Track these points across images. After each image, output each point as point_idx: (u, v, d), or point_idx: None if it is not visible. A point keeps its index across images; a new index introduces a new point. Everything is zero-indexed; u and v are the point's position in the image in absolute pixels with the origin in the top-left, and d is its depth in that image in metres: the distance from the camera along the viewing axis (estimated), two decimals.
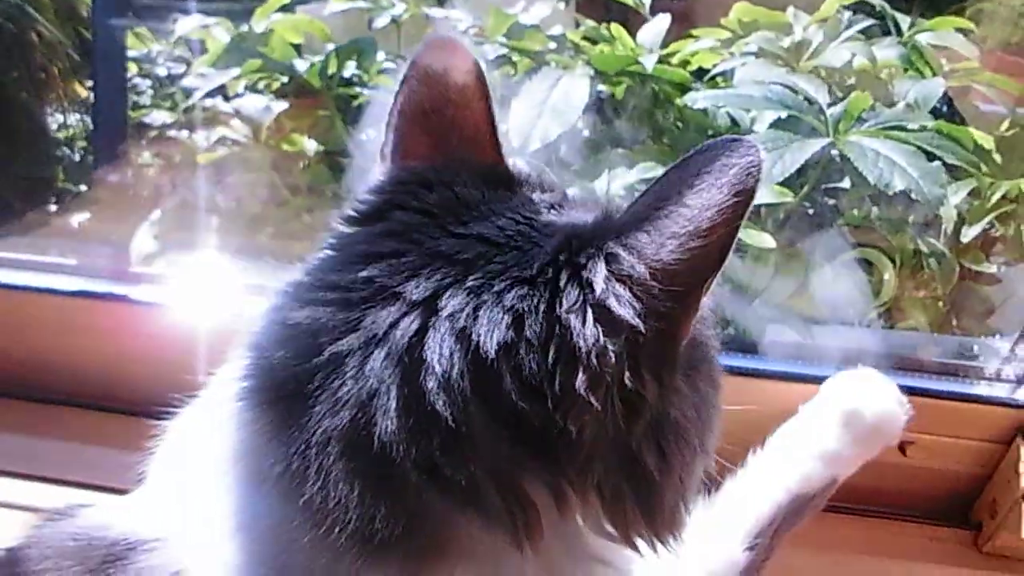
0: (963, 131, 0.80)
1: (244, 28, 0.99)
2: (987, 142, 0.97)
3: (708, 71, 1.03)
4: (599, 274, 0.29)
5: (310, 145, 1.03)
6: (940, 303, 0.86)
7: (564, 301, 0.29)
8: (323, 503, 0.29)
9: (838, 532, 0.59)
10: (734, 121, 0.92)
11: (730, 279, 0.82)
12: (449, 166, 0.35)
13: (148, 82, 1.17)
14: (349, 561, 0.30)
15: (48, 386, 0.69)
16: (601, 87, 0.98)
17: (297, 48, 1.04)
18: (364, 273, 0.31)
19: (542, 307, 0.29)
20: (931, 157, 0.74)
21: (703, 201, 0.29)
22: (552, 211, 0.34)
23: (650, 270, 0.29)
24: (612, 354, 0.29)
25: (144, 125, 1.08)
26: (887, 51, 1.04)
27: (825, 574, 0.59)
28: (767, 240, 0.81)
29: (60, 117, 1.16)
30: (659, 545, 0.35)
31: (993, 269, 0.87)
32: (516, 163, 0.40)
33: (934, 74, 1.02)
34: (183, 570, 0.33)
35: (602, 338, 0.29)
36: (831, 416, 0.57)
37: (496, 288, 0.30)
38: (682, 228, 0.29)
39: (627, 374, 0.30)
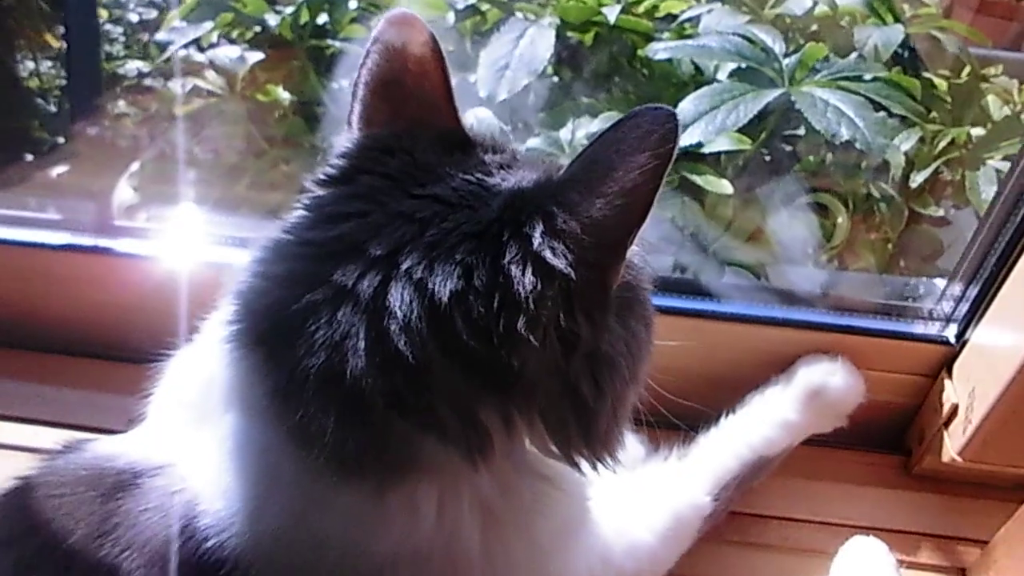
0: (911, 81, 0.84)
1: None
2: (941, 88, 1.02)
3: (677, 16, 1.07)
4: (536, 230, 0.34)
5: (285, 95, 1.06)
6: (890, 245, 0.92)
7: (507, 254, 0.34)
8: (304, 430, 0.35)
9: (784, 460, 0.65)
10: (698, 69, 0.96)
11: (692, 223, 0.88)
12: (409, 132, 0.40)
13: (120, 29, 1.19)
14: (327, 479, 0.35)
15: (43, 336, 0.74)
16: (571, 34, 1.00)
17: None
18: (334, 232, 0.36)
19: (488, 260, 0.34)
20: (879, 107, 0.78)
21: (627, 164, 0.33)
22: (501, 171, 0.39)
23: (581, 225, 0.34)
24: (548, 299, 0.34)
25: (119, 76, 1.11)
26: None
27: (772, 496, 0.65)
28: (726, 186, 0.86)
29: (33, 66, 1.18)
30: (598, 464, 0.40)
31: (942, 212, 0.93)
32: (473, 125, 0.44)
33: (896, 20, 1.06)
34: (183, 490, 0.39)
35: (539, 285, 0.33)
36: (797, 394, 0.64)
37: (448, 243, 0.34)
38: (609, 188, 0.34)
39: (562, 315, 0.35)
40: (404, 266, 0.34)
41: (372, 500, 0.35)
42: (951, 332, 0.65)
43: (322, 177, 0.39)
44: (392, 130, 0.40)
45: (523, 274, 0.33)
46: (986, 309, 0.61)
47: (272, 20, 0.97)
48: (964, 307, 0.64)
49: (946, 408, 0.63)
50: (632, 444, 0.62)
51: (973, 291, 0.63)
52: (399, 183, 0.37)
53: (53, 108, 1.16)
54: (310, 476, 0.35)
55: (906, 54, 1.12)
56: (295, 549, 0.36)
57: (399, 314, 0.33)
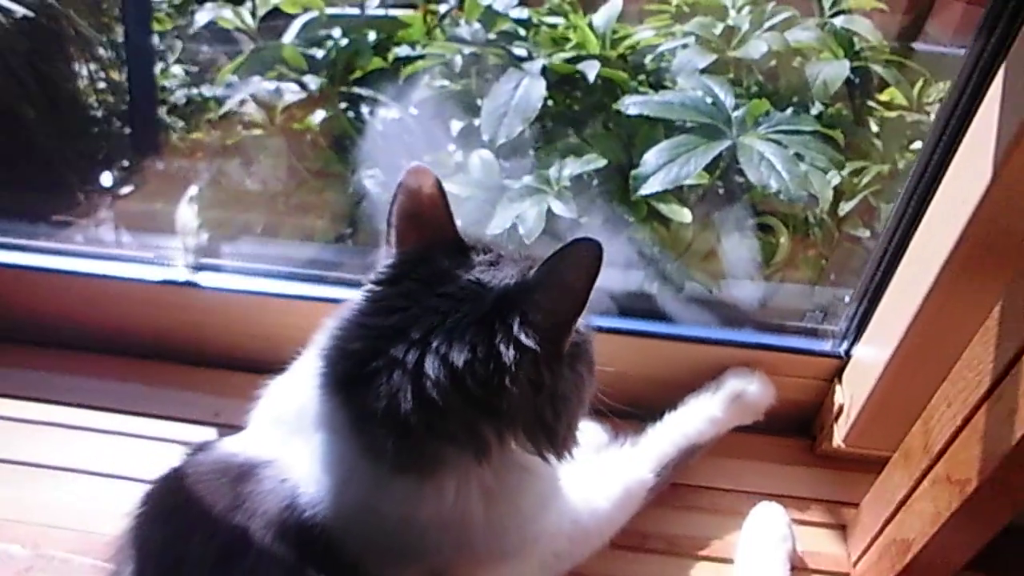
0: (836, 134, 1.03)
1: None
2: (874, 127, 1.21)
3: (657, 46, 1.25)
4: (515, 322, 0.54)
5: (317, 126, 1.26)
6: (824, 261, 1.11)
7: (497, 337, 0.54)
8: (371, 447, 0.55)
9: (714, 444, 0.86)
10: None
11: (659, 243, 1.08)
12: (428, 247, 0.60)
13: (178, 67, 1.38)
14: (385, 476, 0.56)
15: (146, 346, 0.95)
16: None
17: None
18: (389, 321, 0.56)
19: (485, 340, 0.54)
20: (804, 157, 0.97)
21: (571, 276, 0.53)
22: (491, 269, 0.59)
23: (544, 317, 0.54)
24: (523, 363, 0.54)
25: (177, 108, 1.31)
26: (805, 34, 1.25)
27: (703, 471, 0.86)
28: (686, 215, 1.05)
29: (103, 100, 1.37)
30: (560, 458, 0.61)
31: (868, 234, 1.11)
32: (466, 233, 0.64)
33: (845, 55, 1.24)
34: (287, 479, 0.60)
35: (518, 356, 0.54)
36: (723, 397, 0.85)
37: (460, 329, 0.55)
38: (560, 293, 0.54)
39: (531, 371, 0.55)
40: (434, 345, 0.54)
41: (414, 488, 0.56)
42: (843, 347, 0.85)
43: (378, 279, 0.59)
44: (418, 247, 0.60)
45: (507, 350, 0.54)
46: (865, 328, 0.81)
47: (312, 83, 1.15)
48: (854, 325, 0.84)
49: (836, 407, 0.84)
50: (597, 433, 0.84)
51: (860, 311, 0.83)
52: (427, 285, 0.57)
53: (117, 136, 1.36)
54: (373, 475, 0.56)
55: (857, 80, 1.31)
56: (363, 520, 0.58)
57: (432, 376, 0.54)
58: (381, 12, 1.39)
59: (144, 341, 0.95)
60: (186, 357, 0.95)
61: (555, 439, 0.60)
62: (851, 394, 0.82)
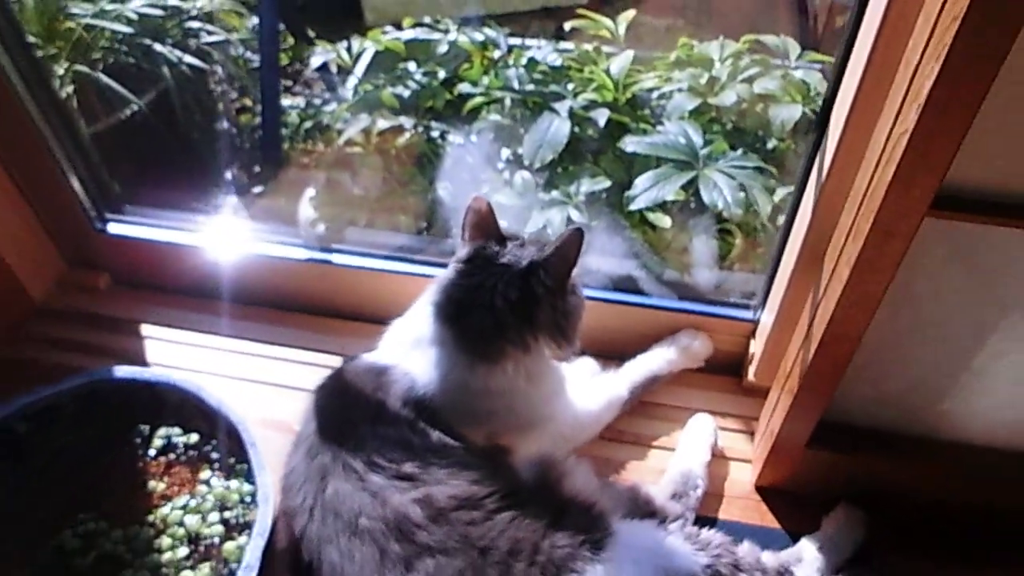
0: (770, 169, 1.47)
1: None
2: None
3: (658, 87, 1.70)
4: (540, 274, 1.01)
5: (403, 144, 1.73)
6: (765, 257, 1.55)
7: (531, 281, 1.01)
8: (465, 349, 1.03)
9: (670, 379, 1.32)
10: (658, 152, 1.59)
11: (646, 243, 1.53)
12: (486, 240, 1.07)
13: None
14: (472, 365, 1.04)
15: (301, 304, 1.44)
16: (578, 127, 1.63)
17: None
18: (471, 281, 1.03)
19: (525, 285, 1.02)
20: (747, 185, 1.42)
21: (569, 250, 1.00)
22: (521, 249, 1.06)
23: (553, 270, 1.02)
24: (545, 295, 1.02)
25: (300, 131, 1.79)
26: (772, 83, 1.69)
27: (662, 394, 1.31)
28: (667, 222, 1.50)
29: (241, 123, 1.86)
30: (566, 353, 1.09)
31: None
32: (507, 230, 1.10)
33: (803, 99, 1.67)
34: (408, 373, 1.07)
35: (542, 291, 1.02)
36: (676, 347, 1.32)
37: (511, 280, 1.02)
38: (562, 257, 1.01)
39: (550, 299, 1.03)
40: (498, 290, 1.02)
41: (488, 369, 1.04)
42: (756, 314, 1.30)
43: (460, 259, 1.07)
44: (479, 241, 1.07)
45: (537, 288, 1.01)
46: (767, 300, 1.26)
47: (407, 122, 1.63)
48: (762, 298, 1.29)
49: (750, 355, 1.29)
50: (592, 364, 1.30)
51: (765, 289, 1.27)
52: (489, 260, 1.04)
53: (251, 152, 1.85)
54: (466, 364, 1.04)
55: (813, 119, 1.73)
56: (455, 394, 1.05)
57: (499, 306, 1.01)
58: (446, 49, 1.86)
59: (297, 300, 1.44)
60: (323, 311, 1.43)
61: (564, 340, 1.08)
62: (759, 346, 1.27)
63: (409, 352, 1.09)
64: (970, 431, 1.09)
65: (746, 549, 1.07)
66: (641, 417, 1.30)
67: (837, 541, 1.13)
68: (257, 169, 1.81)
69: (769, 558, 1.09)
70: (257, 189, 1.80)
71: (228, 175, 1.79)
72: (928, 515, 1.14)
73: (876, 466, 1.12)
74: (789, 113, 1.61)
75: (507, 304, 1.03)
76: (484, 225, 1.09)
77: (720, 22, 2.73)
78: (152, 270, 1.47)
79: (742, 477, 1.24)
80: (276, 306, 1.45)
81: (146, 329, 1.43)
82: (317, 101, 1.83)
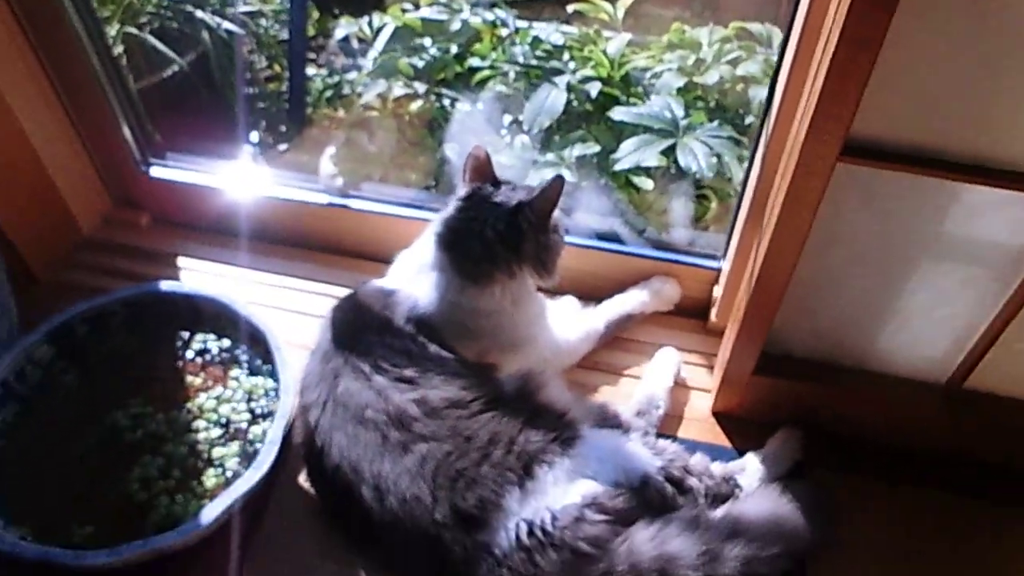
0: (742, 138, 1.64)
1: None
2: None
3: (650, 68, 1.88)
4: (526, 211, 1.19)
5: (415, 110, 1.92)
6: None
7: (519, 217, 1.20)
8: (460, 272, 1.22)
9: (643, 319, 1.50)
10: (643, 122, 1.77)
11: (630, 203, 1.71)
12: (482, 183, 1.25)
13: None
14: (465, 287, 1.22)
15: (322, 243, 1.63)
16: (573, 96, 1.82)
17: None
18: (467, 215, 1.22)
19: (512, 218, 1.20)
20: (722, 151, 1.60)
21: (550, 193, 1.19)
22: (513, 192, 1.24)
23: (538, 209, 1.20)
24: (530, 229, 1.21)
25: (323, 95, 1.98)
26: (752, 66, 1.86)
27: (636, 331, 1.50)
28: (649, 184, 1.68)
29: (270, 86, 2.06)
30: (548, 283, 1.28)
31: None
32: (499, 177, 1.29)
33: None
34: (411, 295, 1.26)
35: (527, 226, 1.20)
36: (649, 290, 1.50)
37: (501, 215, 1.20)
38: (545, 199, 1.20)
39: (533, 232, 1.22)
40: (489, 223, 1.20)
41: (479, 291, 1.23)
42: (719, 263, 1.48)
43: (460, 196, 1.25)
44: (477, 184, 1.26)
45: (524, 223, 1.20)
46: (727, 252, 1.44)
47: (420, 87, 1.81)
48: (725, 250, 1.46)
49: (713, 299, 1.47)
50: (573, 302, 1.49)
51: (727, 241, 1.45)
52: (484, 199, 1.23)
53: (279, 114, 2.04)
54: (460, 286, 1.23)
55: None
56: (451, 312, 1.24)
57: (489, 236, 1.20)
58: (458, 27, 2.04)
59: (316, 239, 1.63)
60: (339, 250, 1.63)
61: (544, 270, 1.27)
62: (720, 290, 1.45)
63: (413, 277, 1.28)
64: (893, 364, 1.27)
65: (697, 458, 1.26)
66: (615, 350, 1.48)
67: (777, 457, 1.32)
68: (283, 128, 2.00)
69: (717, 467, 1.28)
70: (282, 147, 1.99)
71: (257, 133, 1.98)
72: (856, 438, 1.32)
73: (813, 393, 1.30)
74: (765, 93, 1.78)
75: (496, 235, 1.22)
76: (482, 170, 1.28)
77: (723, 15, 2.90)
78: (188, 210, 1.67)
79: (701, 404, 1.42)
80: (297, 245, 1.64)
81: (182, 261, 1.62)
82: (339, 70, 2.01)
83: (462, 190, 1.28)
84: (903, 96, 0.93)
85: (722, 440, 1.38)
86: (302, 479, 1.31)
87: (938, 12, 0.85)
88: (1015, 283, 1.10)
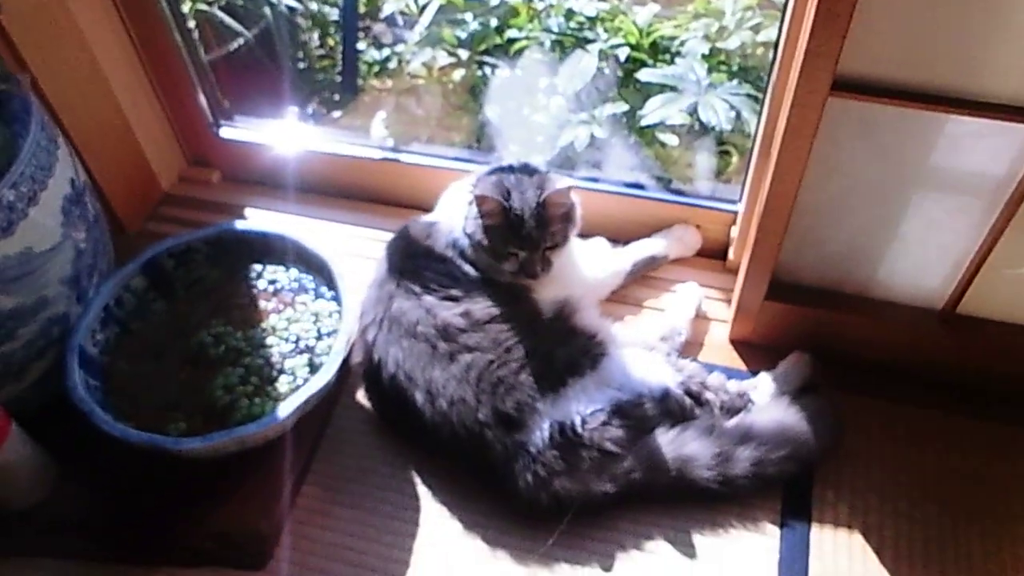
0: (757, 95, 1.78)
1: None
2: None
3: (676, 37, 2.03)
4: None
5: (458, 78, 2.09)
6: None
7: (543, 193, 1.36)
8: None
9: (669, 262, 1.66)
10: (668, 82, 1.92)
11: (657, 158, 1.86)
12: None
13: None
14: None
15: (363, 193, 1.81)
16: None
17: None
18: (508, 179, 1.38)
19: (539, 196, 1.36)
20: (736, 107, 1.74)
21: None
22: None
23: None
24: (560, 216, 1.37)
25: (372, 66, 2.16)
26: (772, 32, 2.00)
27: (664, 271, 1.65)
28: (674, 140, 1.84)
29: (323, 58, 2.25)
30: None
31: None
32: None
33: None
34: (452, 228, 1.43)
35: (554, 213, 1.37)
36: (672, 236, 1.66)
37: (534, 185, 1.37)
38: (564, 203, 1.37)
39: (563, 220, 1.39)
40: (515, 192, 1.36)
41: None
42: (736, 207, 1.62)
43: (494, 166, 1.42)
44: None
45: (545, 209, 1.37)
46: (743, 193, 1.58)
47: (463, 53, 1.99)
48: (740, 195, 1.61)
49: (730, 240, 1.62)
50: (604, 242, 1.64)
51: (741, 188, 1.59)
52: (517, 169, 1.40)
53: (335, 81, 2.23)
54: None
55: None
56: None
57: (522, 212, 1.35)
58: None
59: (370, 191, 1.81)
60: (390, 200, 1.81)
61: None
62: (737, 231, 1.60)
63: (453, 211, 1.45)
64: (893, 290, 1.41)
65: (714, 376, 1.42)
66: (642, 286, 1.64)
67: (787, 376, 1.46)
68: (336, 97, 2.19)
69: (732, 384, 1.43)
70: (336, 113, 2.17)
71: (314, 101, 2.17)
72: (859, 360, 1.46)
73: (821, 319, 1.44)
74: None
75: (530, 214, 1.37)
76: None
77: None
78: (254, 167, 1.86)
79: (719, 333, 1.57)
80: (352, 196, 1.83)
81: (249, 212, 1.82)
82: (387, 44, 2.19)
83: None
84: (885, 35, 1.07)
85: (738, 364, 1.52)
86: (360, 396, 1.49)
87: None
88: (997, 211, 1.23)
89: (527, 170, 1.43)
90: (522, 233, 1.36)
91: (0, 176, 1.19)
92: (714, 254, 1.68)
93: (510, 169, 1.43)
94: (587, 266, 1.55)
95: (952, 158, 1.20)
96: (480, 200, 1.35)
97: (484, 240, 1.38)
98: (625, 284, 1.63)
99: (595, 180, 1.61)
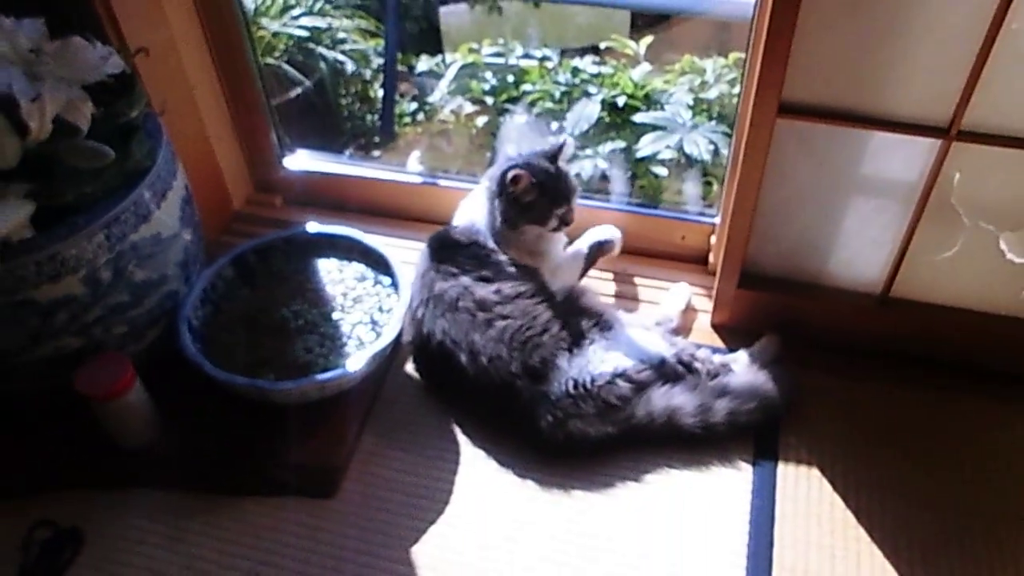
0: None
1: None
2: None
3: (665, 90, 2.46)
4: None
5: (481, 124, 2.51)
6: None
7: (557, 159, 1.78)
8: (506, 220, 1.78)
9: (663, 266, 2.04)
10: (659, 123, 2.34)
11: (650, 187, 2.27)
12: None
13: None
14: (509, 230, 1.79)
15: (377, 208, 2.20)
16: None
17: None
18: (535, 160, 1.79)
19: (555, 162, 1.79)
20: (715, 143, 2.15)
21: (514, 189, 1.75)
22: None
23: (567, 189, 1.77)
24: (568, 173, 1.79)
25: (407, 113, 2.59)
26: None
27: (658, 272, 2.02)
28: (664, 171, 2.24)
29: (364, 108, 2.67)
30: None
31: None
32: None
33: None
34: (479, 227, 1.82)
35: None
36: (611, 227, 2.04)
37: (545, 156, 1.80)
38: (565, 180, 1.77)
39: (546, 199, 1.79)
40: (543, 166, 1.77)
41: (519, 233, 1.80)
42: (714, 219, 2.01)
43: (504, 163, 1.82)
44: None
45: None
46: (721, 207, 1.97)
47: (488, 100, 2.42)
48: (718, 208, 2.00)
49: (711, 247, 2.00)
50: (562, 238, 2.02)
51: (718, 204, 1.99)
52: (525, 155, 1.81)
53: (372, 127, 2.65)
54: (503, 229, 1.78)
55: None
56: (499, 240, 1.79)
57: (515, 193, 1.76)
58: (515, 63, 2.66)
59: (401, 211, 2.19)
60: (424, 218, 2.19)
61: (548, 220, 1.81)
62: (715, 240, 1.98)
63: (475, 217, 1.85)
64: (839, 279, 1.79)
65: (703, 350, 1.78)
66: (639, 285, 2.01)
67: (760, 353, 1.82)
68: (377, 139, 2.60)
69: (716, 357, 1.79)
70: (376, 153, 2.58)
71: (359, 142, 2.58)
72: (816, 336, 1.83)
73: (783, 304, 1.82)
74: None
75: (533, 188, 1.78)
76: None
77: (725, 48, 3.51)
78: (312, 192, 2.25)
79: (704, 321, 1.94)
80: (397, 216, 2.21)
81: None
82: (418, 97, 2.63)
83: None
84: (817, 70, 1.48)
85: (720, 344, 1.89)
86: (408, 368, 1.85)
87: (828, 12, 1.40)
88: (911, 208, 1.62)
89: (532, 153, 1.85)
90: (557, 194, 1.79)
91: (145, 175, 1.57)
92: (698, 259, 2.06)
93: (520, 158, 1.83)
94: (560, 252, 1.94)
95: (875, 166, 1.59)
96: (516, 179, 1.76)
97: (524, 214, 1.80)
98: (586, 268, 2.00)
99: (601, 200, 1.99)
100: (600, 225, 2.03)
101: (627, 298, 2.00)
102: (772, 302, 1.82)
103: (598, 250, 2.02)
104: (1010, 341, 1.74)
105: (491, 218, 1.82)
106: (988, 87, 1.42)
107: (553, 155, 1.81)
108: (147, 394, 1.65)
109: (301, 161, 2.26)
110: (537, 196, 1.78)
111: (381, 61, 2.62)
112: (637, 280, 2.04)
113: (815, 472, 1.65)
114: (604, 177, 2.22)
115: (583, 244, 2.01)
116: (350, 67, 2.58)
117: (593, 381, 1.64)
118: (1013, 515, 1.56)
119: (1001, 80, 1.40)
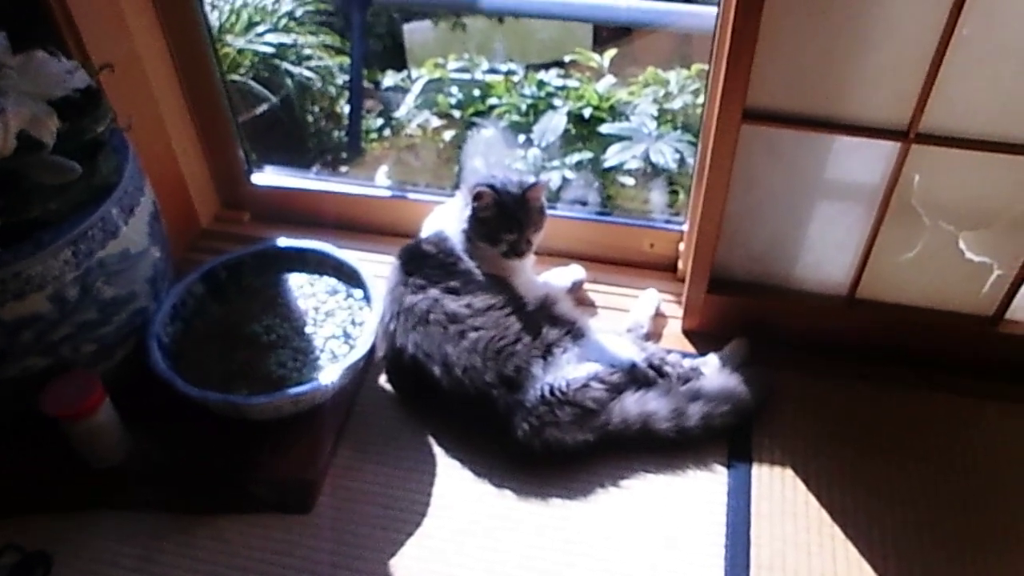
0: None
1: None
2: None
3: (630, 102, 2.50)
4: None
5: (448, 138, 2.53)
6: None
7: (524, 189, 1.79)
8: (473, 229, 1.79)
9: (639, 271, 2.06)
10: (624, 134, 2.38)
11: (618, 197, 2.30)
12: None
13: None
14: (484, 244, 1.80)
15: (363, 226, 2.20)
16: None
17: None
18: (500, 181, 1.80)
19: (521, 191, 1.79)
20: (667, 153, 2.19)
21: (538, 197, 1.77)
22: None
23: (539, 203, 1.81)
24: (537, 208, 1.79)
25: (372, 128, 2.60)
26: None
27: (631, 280, 2.05)
28: (630, 181, 2.27)
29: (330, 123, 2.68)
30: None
31: None
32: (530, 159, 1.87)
33: None
34: (450, 236, 1.83)
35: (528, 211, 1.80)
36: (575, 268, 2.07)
37: (516, 184, 1.79)
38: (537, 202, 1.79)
39: (539, 211, 1.80)
40: (508, 189, 1.78)
41: (492, 247, 1.81)
42: (682, 227, 2.05)
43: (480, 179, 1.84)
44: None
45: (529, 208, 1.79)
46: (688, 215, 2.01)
47: (456, 113, 2.44)
48: (685, 216, 2.03)
49: (679, 254, 2.03)
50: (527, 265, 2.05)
51: (687, 211, 2.02)
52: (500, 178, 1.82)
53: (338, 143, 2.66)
54: (476, 241, 1.80)
55: None
56: (467, 250, 1.81)
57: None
58: (481, 77, 2.68)
59: (370, 225, 2.20)
60: (387, 230, 2.19)
61: (534, 237, 1.84)
62: (683, 247, 2.02)
63: (449, 224, 1.86)
64: (807, 282, 1.83)
65: (673, 355, 1.80)
66: (608, 293, 2.04)
67: (731, 356, 1.85)
68: (344, 155, 2.61)
69: (686, 361, 1.82)
70: (344, 168, 2.59)
71: (326, 158, 2.58)
72: (786, 338, 1.86)
73: (753, 307, 1.85)
74: None
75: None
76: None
77: (688, 60, 3.58)
78: (280, 208, 2.25)
79: (674, 326, 1.97)
80: (366, 230, 2.21)
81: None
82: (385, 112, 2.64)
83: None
84: (779, 76, 1.52)
85: (691, 349, 1.91)
86: (381, 381, 1.84)
87: (789, 20, 1.44)
88: (874, 210, 1.66)
89: (507, 177, 1.86)
90: (511, 220, 1.79)
91: (112, 190, 1.56)
92: (667, 266, 2.09)
93: (493, 178, 1.84)
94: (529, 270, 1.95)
95: (839, 170, 1.64)
96: (479, 196, 1.77)
97: (480, 230, 1.80)
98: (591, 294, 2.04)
99: (569, 210, 2.01)
100: (568, 267, 2.06)
101: (598, 306, 2.02)
102: (742, 306, 1.86)
103: (574, 288, 2.06)
104: (973, 338, 1.79)
105: (461, 227, 1.83)
106: (943, 91, 1.47)
107: (525, 188, 1.82)
108: (116, 412, 1.63)
109: (268, 178, 2.25)
110: (493, 216, 1.81)
111: (347, 77, 2.63)
112: (607, 288, 2.06)
113: (789, 471, 1.67)
114: (571, 187, 2.25)
115: (554, 284, 2.01)
116: (317, 83, 2.59)
117: (568, 386, 1.66)
118: (982, 506, 1.60)
119: (955, 84, 1.45)
